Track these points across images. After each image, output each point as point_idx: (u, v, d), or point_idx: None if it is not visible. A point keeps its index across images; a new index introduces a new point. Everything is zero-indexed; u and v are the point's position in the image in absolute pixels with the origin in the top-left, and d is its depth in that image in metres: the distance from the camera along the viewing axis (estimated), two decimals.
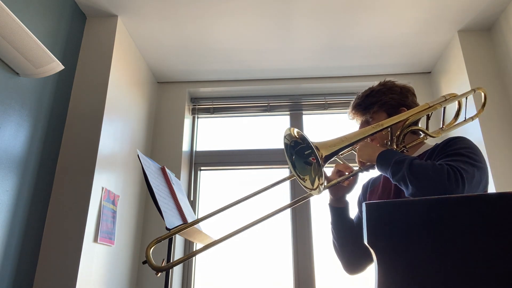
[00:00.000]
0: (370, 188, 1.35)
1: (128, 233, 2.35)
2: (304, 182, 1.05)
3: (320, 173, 0.99)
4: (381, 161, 1.09)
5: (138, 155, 1.50)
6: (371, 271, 1.29)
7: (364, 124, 1.31)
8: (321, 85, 2.93)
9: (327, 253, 2.59)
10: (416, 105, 1.28)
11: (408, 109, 1.24)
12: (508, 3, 2.22)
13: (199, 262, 2.70)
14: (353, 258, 1.29)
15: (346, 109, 2.93)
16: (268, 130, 3.03)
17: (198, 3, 2.20)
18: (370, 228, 0.56)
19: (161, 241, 1.11)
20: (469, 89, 2.34)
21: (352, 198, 1.36)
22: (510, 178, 2.11)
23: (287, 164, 2.83)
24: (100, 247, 1.98)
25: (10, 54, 1.58)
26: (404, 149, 1.15)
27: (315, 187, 1.02)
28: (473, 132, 2.30)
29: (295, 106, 3.00)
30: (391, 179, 1.05)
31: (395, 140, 1.17)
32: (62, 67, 1.77)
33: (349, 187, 1.25)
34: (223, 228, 2.75)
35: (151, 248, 1.05)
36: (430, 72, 2.88)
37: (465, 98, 1.33)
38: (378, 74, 2.87)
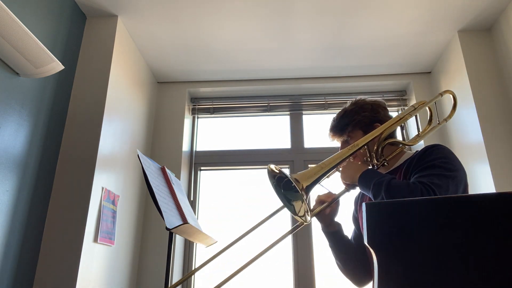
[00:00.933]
0: (360, 201, 1.40)
1: (128, 233, 2.35)
2: (296, 212, 1.11)
3: (305, 201, 1.05)
4: (362, 183, 1.16)
5: (138, 155, 1.50)
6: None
7: (344, 144, 1.38)
8: (321, 85, 2.93)
9: (327, 253, 2.59)
10: (389, 118, 1.34)
11: (381, 124, 1.30)
12: (508, 3, 2.22)
13: (199, 262, 2.70)
14: (358, 272, 1.34)
15: None
16: (268, 130, 3.04)
17: (198, 3, 2.20)
18: (370, 228, 0.56)
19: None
20: (469, 89, 2.35)
21: (346, 215, 1.42)
22: (510, 178, 2.11)
23: (287, 164, 2.84)
24: (100, 247, 1.98)
25: (10, 54, 1.58)
26: (384, 162, 1.22)
27: (302, 215, 1.09)
28: (473, 132, 2.30)
29: (295, 106, 3.00)
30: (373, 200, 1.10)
31: (374, 156, 1.23)
32: (62, 67, 1.77)
33: (333, 212, 1.31)
34: (223, 228, 2.75)
35: None
36: (430, 72, 2.88)
37: (433, 103, 1.40)
38: (378, 74, 2.87)
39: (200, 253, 2.72)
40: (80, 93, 2.14)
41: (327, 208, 1.28)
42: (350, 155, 1.17)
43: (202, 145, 3.01)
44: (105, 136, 2.10)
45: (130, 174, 2.40)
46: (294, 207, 1.10)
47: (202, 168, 2.92)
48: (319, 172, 1.09)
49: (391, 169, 1.30)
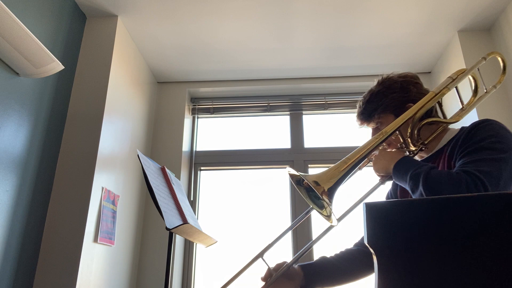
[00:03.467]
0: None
1: (128, 233, 2.35)
2: (324, 213, 0.99)
3: (330, 204, 0.92)
4: (397, 176, 1.01)
5: (138, 155, 1.50)
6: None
7: (375, 131, 1.22)
8: (321, 85, 2.93)
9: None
10: (423, 94, 1.15)
11: (414, 103, 1.12)
12: (508, 3, 2.22)
13: (199, 262, 2.70)
14: (364, 272, 1.21)
15: (346, 109, 2.95)
16: (268, 130, 3.04)
17: (198, 3, 2.20)
18: (370, 228, 0.56)
19: None
20: (469, 89, 2.34)
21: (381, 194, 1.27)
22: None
23: (287, 164, 2.84)
24: (100, 247, 1.98)
25: (10, 54, 1.58)
26: (422, 147, 1.07)
27: (328, 214, 0.96)
28: None
29: (295, 106, 3.00)
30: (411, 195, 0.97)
31: (409, 141, 1.07)
32: (62, 67, 1.77)
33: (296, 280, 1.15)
34: (223, 228, 2.75)
35: None
36: (430, 72, 2.88)
37: (477, 69, 1.21)
38: (378, 74, 2.84)
39: (200, 253, 2.72)
40: (80, 93, 2.14)
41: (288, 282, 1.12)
42: (378, 144, 1.02)
43: (202, 145, 3.01)
44: (105, 136, 2.10)
45: (130, 174, 2.40)
46: (322, 209, 0.98)
47: (202, 168, 2.92)
48: (343, 169, 0.95)
49: (433, 152, 1.13)
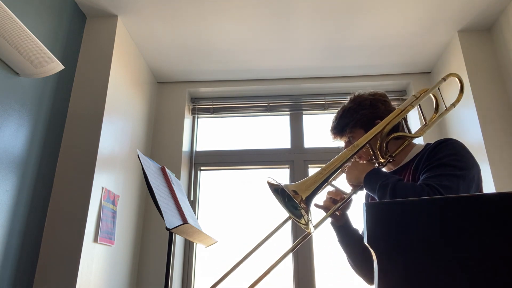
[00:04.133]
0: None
1: (128, 233, 2.35)
2: (301, 220, 1.08)
3: (307, 212, 1.01)
4: (367, 185, 1.12)
5: (138, 155, 1.50)
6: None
7: (347, 144, 1.32)
8: (321, 85, 2.93)
9: (327, 253, 2.59)
10: (390, 111, 1.27)
11: (382, 120, 1.23)
12: (508, 3, 2.22)
13: (199, 262, 2.70)
14: (367, 269, 1.27)
15: None
16: (268, 130, 3.04)
17: (198, 3, 2.20)
18: (370, 228, 0.56)
19: None
20: (469, 89, 2.35)
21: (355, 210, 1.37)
22: (510, 178, 2.11)
23: (287, 164, 2.84)
24: (100, 247, 1.98)
25: (10, 54, 1.58)
26: (390, 159, 1.18)
27: (306, 223, 1.05)
28: (473, 132, 2.30)
29: (295, 106, 3.00)
30: None
31: (378, 154, 1.19)
32: (62, 67, 1.77)
33: (343, 208, 1.27)
34: (223, 228, 2.75)
35: None
36: (430, 72, 2.88)
37: (437, 89, 1.33)
38: (378, 74, 2.87)
39: (200, 253, 2.72)
40: (80, 93, 2.14)
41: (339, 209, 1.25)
42: (351, 156, 1.12)
43: (202, 145, 3.01)
44: (105, 136, 2.10)
45: (130, 174, 2.40)
46: (299, 218, 1.08)
47: (202, 168, 2.92)
48: (319, 179, 1.04)
49: (400, 165, 1.24)
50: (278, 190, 1.08)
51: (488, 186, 2.13)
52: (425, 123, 1.31)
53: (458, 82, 1.36)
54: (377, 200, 1.06)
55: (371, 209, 0.57)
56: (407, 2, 2.20)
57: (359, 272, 1.30)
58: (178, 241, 2.58)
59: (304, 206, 0.98)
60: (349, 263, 1.33)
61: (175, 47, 2.59)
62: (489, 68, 2.38)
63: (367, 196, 1.37)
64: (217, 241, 1.69)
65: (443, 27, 2.42)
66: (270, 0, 2.19)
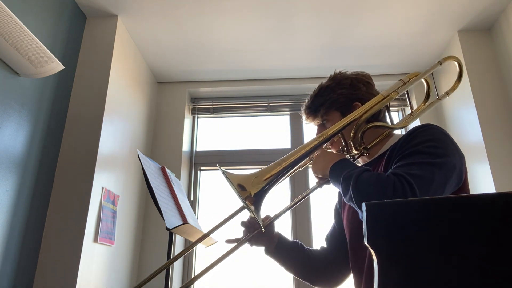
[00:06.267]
0: None
1: (128, 233, 2.35)
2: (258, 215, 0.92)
3: (252, 213, 0.87)
4: (332, 177, 0.97)
5: (138, 155, 1.50)
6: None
7: (320, 128, 1.16)
8: None
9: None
10: (373, 95, 1.09)
11: (362, 103, 1.07)
12: (508, 3, 2.22)
13: (199, 262, 2.70)
14: (328, 276, 1.20)
15: None
16: (268, 130, 3.04)
17: (198, 3, 2.20)
18: (370, 228, 0.56)
19: None
20: (469, 89, 2.34)
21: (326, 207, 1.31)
22: (510, 178, 2.11)
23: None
24: (100, 247, 1.98)
25: (10, 54, 1.58)
26: (364, 152, 1.01)
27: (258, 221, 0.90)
28: (473, 132, 2.30)
29: (295, 106, 3.00)
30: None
31: (351, 144, 1.02)
32: (62, 67, 1.77)
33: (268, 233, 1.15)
34: (223, 228, 2.75)
35: None
36: None
37: (430, 74, 1.17)
38: (378, 74, 2.87)
39: (200, 253, 2.72)
40: (80, 93, 2.14)
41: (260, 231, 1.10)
42: (315, 147, 0.96)
43: (202, 145, 3.01)
44: (105, 136, 2.09)
45: (130, 174, 2.40)
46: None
47: (202, 168, 2.92)
48: (274, 172, 0.87)
49: (375, 157, 1.09)
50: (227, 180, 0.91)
51: (488, 186, 2.13)
52: (411, 112, 1.14)
53: (457, 66, 1.21)
54: (342, 194, 0.93)
55: (371, 209, 0.57)
56: (407, 2, 2.20)
57: (317, 282, 1.22)
58: (178, 241, 2.58)
59: (251, 204, 0.82)
60: (301, 278, 1.23)
61: (175, 47, 2.59)
62: (489, 68, 2.38)
63: (339, 194, 1.24)
64: (217, 241, 1.69)
65: (443, 27, 2.42)
66: (270, 0, 2.19)
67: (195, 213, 2.75)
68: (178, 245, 2.58)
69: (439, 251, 0.53)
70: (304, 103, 1.20)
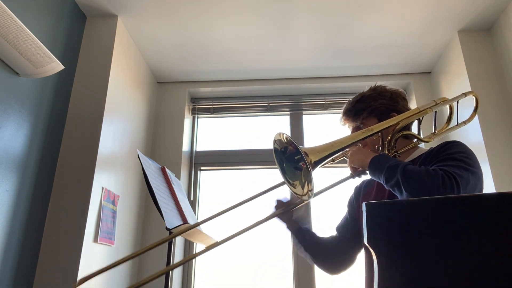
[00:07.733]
0: (363, 191, 1.34)
1: (128, 233, 2.35)
2: (295, 188, 1.05)
3: (309, 179, 0.99)
4: (374, 166, 1.07)
5: (138, 155, 1.50)
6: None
7: (355, 130, 1.30)
8: (321, 85, 2.93)
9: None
10: (407, 110, 1.27)
11: (398, 114, 1.22)
12: (508, 3, 2.22)
13: (199, 262, 2.70)
14: (334, 262, 1.33)
15: None
16: (268, 130, 3.04)
17: (198, 3, 2.20)
18: (370, 228, 0.56)
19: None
20: (469, 89, 2.34)
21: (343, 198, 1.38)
22: (510, 178, 2.11)
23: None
24: (100, 247, 1.98)
25: (10, 54, 1.58)
26: (396, 154, 1.14)
27: (305, 192, 1.02)
28: (473, 132, 2.30)
29: (295, 106, 3.00)
30: (384, 185, 1.04)
31: (386, 145, 1.16)
32: (62, 67, 1.77)
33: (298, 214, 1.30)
34: (222, 228, 2.75)
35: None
36: (430, 72, 2.88)
37: (456, 102, 1.33)
38: (378, 74, 2.87)
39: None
40: (80, 93, 2.14)
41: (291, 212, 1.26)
42: (363, 138, 1.11)
43: (202, 145, 3.01)
44: (105, 136, 2.09)
45: (130, 174, 2.40)
46: (296, 182, 1.04)
47: (202, 168, 2.92)
48: (329, 149, 1.02)
49: None
50: (282, 149, 1.05)
51: (488, 186, 2.13)
52: (434, 131, 1.30)
53: (475, 100, 1.39)
54: (384, 183, 1.03)
55: (372, 209, 0.57)
56: (407, 2, 2.20)
57: (322, 265, 1.34)
58: (178, 241, 2.58)
59: (311, 169, 0.97)
60: (313, 262, 1.35)
61: (175, 47, 2.59)
62: (489, 68, 2.38)
63: (359, 187, 1.37)
64: (217, 241, 1.69)
65: (443, 27, 2.42)
66: (270, 0, 2.19)
67: (195, 213, 2.75)
68: (178, 245, 2.58)
69: (439, 251, 0.53)
70: (344, 107, 1.35)
